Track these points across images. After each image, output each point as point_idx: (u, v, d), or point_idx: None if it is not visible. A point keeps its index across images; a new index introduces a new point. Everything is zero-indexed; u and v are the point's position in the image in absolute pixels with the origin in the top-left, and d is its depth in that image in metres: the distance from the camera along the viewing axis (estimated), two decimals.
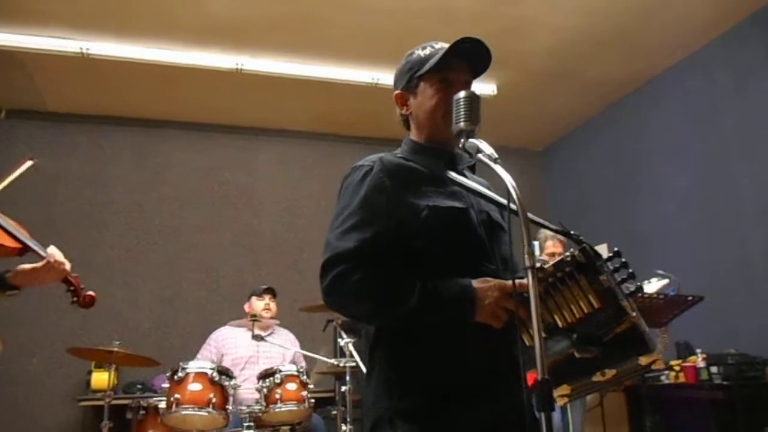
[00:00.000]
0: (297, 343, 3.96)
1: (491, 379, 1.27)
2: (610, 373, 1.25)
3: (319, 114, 5.50)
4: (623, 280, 1.26)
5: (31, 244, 1.79)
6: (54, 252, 1.80)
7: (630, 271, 1.27)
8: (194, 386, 2.94)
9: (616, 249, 1.29)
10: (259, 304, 3.91)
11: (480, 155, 1.25)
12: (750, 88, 4.11)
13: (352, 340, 3.23)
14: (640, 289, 1.26)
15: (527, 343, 1.24)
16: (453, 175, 1.41)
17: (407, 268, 1.28)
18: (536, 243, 3.90)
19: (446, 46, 1.44)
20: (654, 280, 3.05)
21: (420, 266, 1.28)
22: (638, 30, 4.25)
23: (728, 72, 4.27)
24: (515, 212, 1.26)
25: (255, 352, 3.74)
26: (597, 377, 1.23)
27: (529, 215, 1.22)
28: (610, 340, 1.23)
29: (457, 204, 1.36)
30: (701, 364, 3.74)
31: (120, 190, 5.19)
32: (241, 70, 4.54)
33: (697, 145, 4.49)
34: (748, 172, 4.08)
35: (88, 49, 4.12)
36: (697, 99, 4.52)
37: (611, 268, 1.26)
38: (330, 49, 4.47)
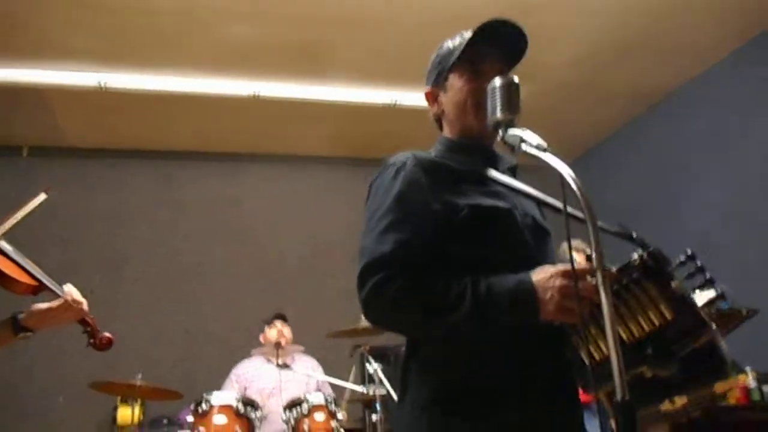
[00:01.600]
0: (320, 368, 3.82)
1: (546, 400, 1.13)
2: (680, 401, 1.12)
3: (338, 137, 5.46)
4: (700, 286, 1.13)
5: (47, 281, 1.68)
6: (71, 290, 1.69)
7: (708, 276, 1.13)
8: (219, 419, 2.84)
9: (689, 252, 1.17)
10: (272, 332, 3.81)
11: (524, 146, 1.08)
12: None
13: (381, 366, 3.10)
14: (722, 296, 1.12)
15: (587, 362, 1.11)
16: (494, 173, 1.28)
17: (445, 274, 1.14)
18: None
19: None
20: (698, 291, 2.86)
21: (458, 272, 1.14)
22: (664, 36, 4.14)
23: (763, 76, 4.14)
24: (572, 215, 1.13)
25: (278, 381, 3.60)
26: (666, 405, 1.09)
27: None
28: (685, 357, 1.09)
29: (500, 204, 1.23)
30: (752, 383, 3.53)
31: (142, 224, 5.15)
32: (258, 96, 4.52)
33: (736, 155, 4.34)
34: None
35: (105, 82, 4.12)
36: (731, 106, 4.38)
37: (685, 274, 1.13)
38: (346, 70, 4.43)
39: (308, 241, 5.53)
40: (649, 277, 1.09)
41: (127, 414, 3.86)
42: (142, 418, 3.60)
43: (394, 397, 2.96)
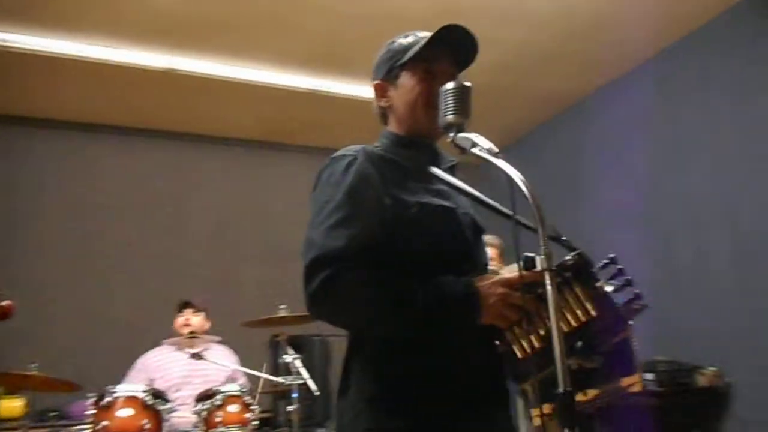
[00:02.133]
0: (235, 358, 3.73)
1: (482, 395, 1.18)
2: (592, 393, 1.20)
3: (261, 121, 5.32)
4: (621, 287, 1.21)
5: None
6: None
7: (627, 278, 1.22)
8: (125, 412, 2.69)
9: (612, 255, 1.24)
10: (179, 321, 3.69)
11: (475, 149, 1.14)
12: (690, 103, 4.31)
13: (300, 357, 3.06)
14: (639, 296, 1.21)
15: (519, 355, 1.16)
16: (438, 171, 1.31)
17: (392, 270, 1.16)
18: None
19: (429, 34, 1.34)
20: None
21: (403, 268, 1.16)
22: (583, 45, 4.37)
23: (666, 88, 4.48)
24: (508, 215, 1.19)
25: (189, 372, 3.48)
26: (579, 396, 1.16)
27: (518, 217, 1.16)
28: (604, 352, 1.17)
29: (445, 203, 1.27)
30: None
31: (45, 198, 4.80)
32: (174, 70, 4.31)
33: (631, 158, 4.67)
34: (677, 182, 4.28)
35: (5, 41, 3.75)
36: (633, 115, 4.71)
37: (607, 276, 1.21)
38: (276, 53, 4.31)
39: (220, 225, 5.37)
40: (578, 279, 1.15)
41: (12, 406, 3.57)
42: (27, 410, 3.32)
43: (312, 387, 2.95)
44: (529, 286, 1.08)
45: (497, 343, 1.16)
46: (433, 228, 1.22)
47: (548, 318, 1.11)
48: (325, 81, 4.67)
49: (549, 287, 0.96)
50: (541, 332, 1.12)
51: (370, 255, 1.14)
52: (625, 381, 1.20)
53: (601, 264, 1.24)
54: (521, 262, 1.04)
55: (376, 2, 3.70)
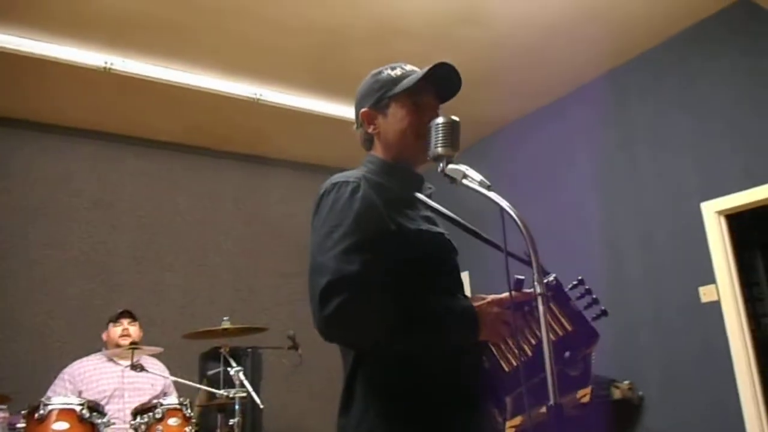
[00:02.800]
0: (167, 371, 3.64)
1: (480, 407, 1.27)
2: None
3: (192, 125, 5.22)
4: (588, 306, 1.35)
5: None
6: None
7: (594, 296, 1.36)
8: (59, 425, 2.57)
9: (580, 278, 1.38)
10: (116, 331, 3.54)
11: (466, 181, 1.25)
12: (635, 120, 4.66)
13: (242, 369, 3.04)
14: (605, 312, 1.35)
15: (506, 369, 1.27)
16: (424, 198, 1.40)
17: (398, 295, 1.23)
18: None
19: (416, 69, 1.45)
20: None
21: (406, 293, 1.23)
22: (513, 70, 4.64)
23: (588, 115, 4.82)
24: (489, 242, 1.30)
25: (120, 384, 3.36)
26: (543, 409, 1.28)
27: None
28: (577, 364, 1.30)
29: (437, 229, 1.36)
30: None
31: None
32: (110, 69, 4.18)
33: (556, 184, 4.99)
34: (598, 206, 4.62)
35: None
36: (556, 142, 5.03)
37: (577, 294, 1.35)
38: (211, 57, 4.29)
39: (145, 230, 5.21)
40: (554, 298, 1.28)
41: None
42: None
43: (256, 400, 2.94)
44: (517, 306, 1.19)
45: (484, 359, 1.26)
46: (431, 254, 1.31)
47: (532, 335, 1.24)
48: (260, 89, 4.70)
49: (541, 308, 1.07)
50: (526, 347, 1.23)
51: (381, 279, 1.20)
52: (580, 393, 1.32)
53: (571, 285, 1.38)
54: (512, 284, 1.15)
55: (318, 16, 3.79)
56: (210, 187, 5.57)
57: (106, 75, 4.23)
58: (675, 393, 3.98)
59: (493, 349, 1.27)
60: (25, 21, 3.71)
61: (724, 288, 3.82)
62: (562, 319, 1.28)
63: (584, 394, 1.35)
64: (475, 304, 1.24)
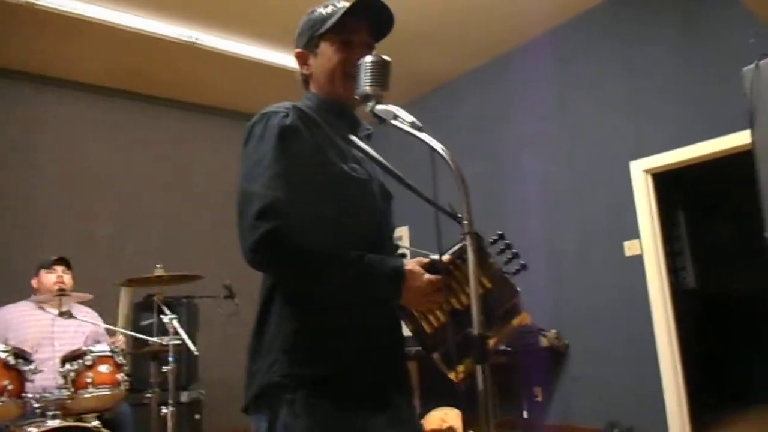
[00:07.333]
0: (100, 320, 3.56)
1: (389, 374, 1.30)
2: (491, 341, 1.36)
3: (123, 68, 4.98)
4: (509, 260, 1.39)
5: None
6: None
7: (514, 251, 1.40)
8: None
9: (500, 232, 1.41)
10: (50, 278, 3.41)
11: (395, 121, 1.21)
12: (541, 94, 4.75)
13: (176, 317, 3.01)
14: (525, 266, 1.40)
15: (428, 330, 1.29)
16: (356, 139, 1.37)
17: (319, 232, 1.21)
18: None
19: (348, 5, 1.39)
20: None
21: (324, 231, 1.22)
22: (454, 27, 4.62)
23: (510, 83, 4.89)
24: (410, 187, 1.29)
25: (49, 332, 3.26)
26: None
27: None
28: (499, 316, 1.35)
29: (362, 171, 1.34)
30: None
31: None
32: (34, 4, 3.91)
33: (492, 141, 5.07)
34: (537, 167, 4.74)
35: None
36: (493, 98, 5.10)
37: (497, 250, 1.38)
38: None
39: (71, 176, 5.00)
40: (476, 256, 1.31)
41: None
42: None
43: (191, 347, 2.92)
44: (445, 270, 1.21)
45: (406, 321, 1.28)
46: (352, 197, 1.29)
47: (452, 296, 1.26)
48: (195, 32, 4.51)
49: (470, 249, 1.09)
50: (445, 308, 1.25)
51: (307, 211, 1.19)
52: (515, 321, 1.37)
53: (491, 239, 1.41)
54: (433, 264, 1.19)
55: None
56: (141, 134, 5.37)
57: (26, 10, 3.96)
58: (597, 341, 4.22)
59: (415, 312, 1.27)
60: None
61: (648, 243, 4.03)
62: (482, 278, 1.29)
63: (522, 320, 1.40)
64: (406, 267, 1.21)
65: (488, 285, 1.29)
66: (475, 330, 1.07)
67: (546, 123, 4.73)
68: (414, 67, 5.21)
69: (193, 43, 4.59)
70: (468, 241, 1.11)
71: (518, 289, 1.37)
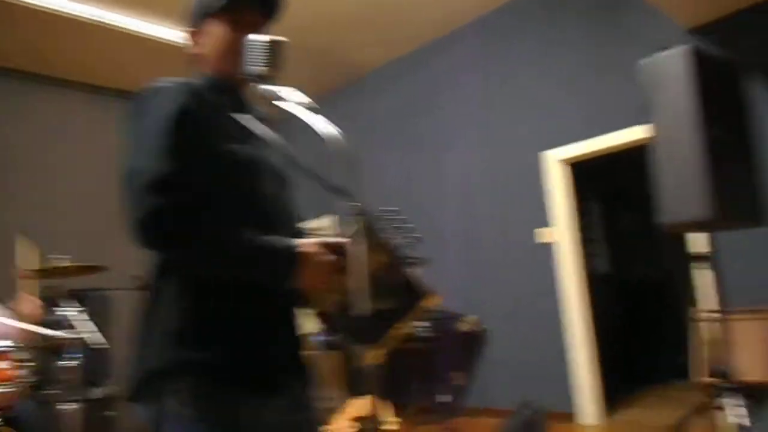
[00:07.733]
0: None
1: (281, 343, 1.27)
2: (400, 326, 1.37)
3: (27, 48, 4.69)
4: (404, 235, 1.40)
5: None
6: None
7: (409, 225, 1.42)
8: None
9: (395, 208, 1.43)
10: None
11: (278, 102, 1.20)
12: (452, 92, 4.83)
13: (85, 310, 2.86)
14: (419, 238, 1.42)
15: (328, 313, 1.27)
16: (246, 120, 1.34)
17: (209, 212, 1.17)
18: None
19: None
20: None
21: (222, 213, 1.19)
22: (380, 16, 4.61)
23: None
24: (301, 167, 1.28)
25: None
26: (394, 330, 1.32)
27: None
28: (398, 291, 1.35)
29: (252, 153, 1.30)
30: None
31: None
32: None
33: (414, 133, 5.13)
34: (453, 157, 4.82)
35: None
36: (419, 88, 5.14)
37: (392, 226, 1.39)
38: None
39: None
40: (367, 235, 1.31)
41: None
42: None
43: (101, 340, 2.79)
44: (339, 250, 1.19)
45: (303, 305, 1.27)
46: (240, 178, 1.25)
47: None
48: (106, 12, 4.32)
49: (355, 231, 1.09)
50: (342, 288, 1.23)
51: (196, 188, 1.15)
52: (425, 302, 1.38)
53: (385, 213, 1.41)
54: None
55: None
56: (47, 117, 5.09)
57: None
58: (514, 325, 4.35)
59: (312, 296, 1.25)
60: None
61: (562, 230, 4.19)
62: (378, 255, 1.30)
63: (431, 302, 1.40)
64: (300, 249, 1.18)
65: (385, 260, 1.28)
66: (365, 308, 1.07)
67: (468, 112, 4.81)
68: (340, 57, 5.17)
69: (103, 22, 4.37)
70: (355, 219, 1.11)
71: (410, 262, 1.37)
